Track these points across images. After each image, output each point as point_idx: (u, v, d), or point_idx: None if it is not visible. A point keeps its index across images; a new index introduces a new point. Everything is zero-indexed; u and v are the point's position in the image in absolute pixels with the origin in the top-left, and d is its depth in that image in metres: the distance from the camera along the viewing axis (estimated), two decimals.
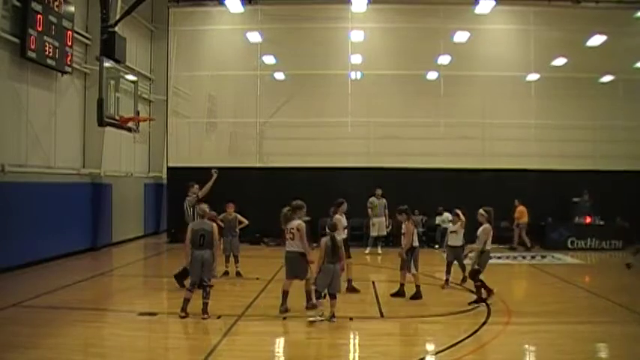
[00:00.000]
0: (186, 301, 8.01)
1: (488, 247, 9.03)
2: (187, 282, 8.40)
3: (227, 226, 11.24)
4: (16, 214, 11.59)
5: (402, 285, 9.57)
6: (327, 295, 7.86)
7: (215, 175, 10.65)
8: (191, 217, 10.11)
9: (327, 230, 7.99)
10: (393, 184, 15.68)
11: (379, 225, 15.29)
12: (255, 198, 15.77)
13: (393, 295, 9.53)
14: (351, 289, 9.74)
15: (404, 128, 17.26)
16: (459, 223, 10.26)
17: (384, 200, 15.20)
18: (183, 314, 7.93)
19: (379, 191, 15.40)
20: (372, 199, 15.47)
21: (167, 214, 18.35)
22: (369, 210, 15.34)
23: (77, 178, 14.76)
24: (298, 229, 8.16)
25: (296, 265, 8.23)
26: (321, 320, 7.64)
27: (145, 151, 19.67)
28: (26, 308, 8.55)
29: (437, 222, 16.43)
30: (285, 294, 8.33)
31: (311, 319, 7.67)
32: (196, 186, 10.45)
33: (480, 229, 9.09)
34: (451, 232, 10.48)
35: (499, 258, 14.74)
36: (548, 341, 7.15)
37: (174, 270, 10.13)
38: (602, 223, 16.80)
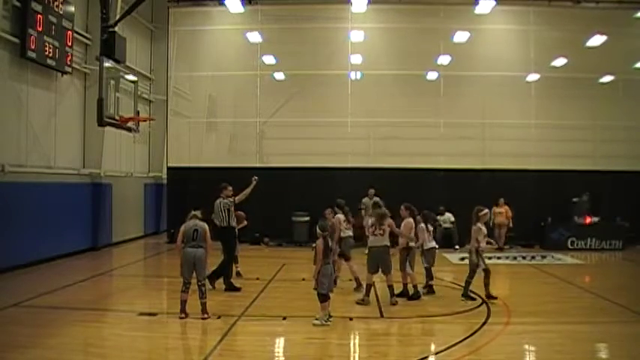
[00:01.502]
0: (184, 302, 8.02)
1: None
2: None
3: None
4: (16, 214, 11.59)
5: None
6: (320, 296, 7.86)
7: (254, 182, 10.60)
8: (225, 220, 10.16)
9: (319, 231, 7.99)
10: (393, 185, 15.61)
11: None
12: (255, 198, 15.70)
13: (398, 295, 9.51)
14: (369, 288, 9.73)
15: (404, 128, 17.24)
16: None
17: (377, 199, 15.03)
18: (182, 315, 7.93)
19: (372, 191, 15.29)
20: (365, 199, 15.42)
21: (167, 214, 18.34)
22: (362, 211, 15.23)
23: (77, 178, 14.75)
24: (389, 226, 9.03)
25: (385, 259, 9.04)
26: (328, 325, 7.66)
27: (145, 151, 19.67)
28: (26, 308, 8.56)
29: (438, 222, 16.37)
30: (368, 287, 9.16)
31: (316, 321, 7.68)
32: (230, 187, 10.39)
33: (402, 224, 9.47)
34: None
35: (499, 259, 14.74)
36: (548, 341, 7.15)
37: (174, 270, 10.09)
38: (602, 223, 16.78)
